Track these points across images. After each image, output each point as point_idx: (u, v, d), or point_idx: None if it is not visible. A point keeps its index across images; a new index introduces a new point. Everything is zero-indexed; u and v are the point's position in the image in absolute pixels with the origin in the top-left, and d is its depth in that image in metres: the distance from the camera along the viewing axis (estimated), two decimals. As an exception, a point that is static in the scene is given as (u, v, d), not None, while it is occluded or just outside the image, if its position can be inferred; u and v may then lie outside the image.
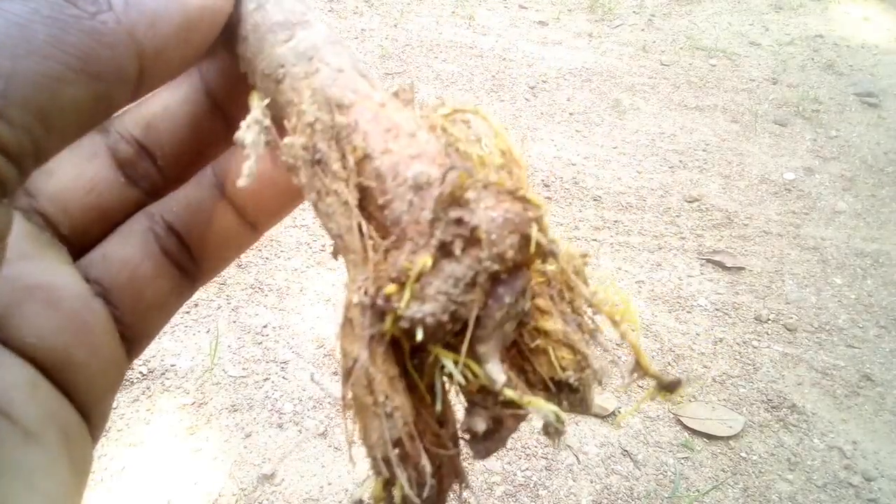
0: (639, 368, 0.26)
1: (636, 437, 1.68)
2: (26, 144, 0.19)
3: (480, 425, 0.23)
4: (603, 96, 3.19)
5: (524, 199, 0.24)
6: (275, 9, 0.28)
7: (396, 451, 0.22)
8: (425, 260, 0.23)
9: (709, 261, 2.28)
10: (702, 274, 2.23)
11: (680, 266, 2.25)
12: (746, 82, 3.44)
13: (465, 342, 0.23)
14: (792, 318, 2.09)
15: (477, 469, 1.56)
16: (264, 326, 1.82)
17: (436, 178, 0.24)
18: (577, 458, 1.61)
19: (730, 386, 1.85)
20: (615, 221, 2.40)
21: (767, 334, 2.03)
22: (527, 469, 1.58)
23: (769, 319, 2.08)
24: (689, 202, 2.55)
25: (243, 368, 1.71)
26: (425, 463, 0.23)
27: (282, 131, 0.27)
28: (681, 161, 2.79)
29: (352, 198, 0.25)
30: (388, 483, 0.23)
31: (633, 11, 4.12)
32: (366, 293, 0.23)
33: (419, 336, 0.22)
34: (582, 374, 0.25)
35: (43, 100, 0.19)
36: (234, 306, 1.86)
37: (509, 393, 0.23)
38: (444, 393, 0.24)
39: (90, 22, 0.21)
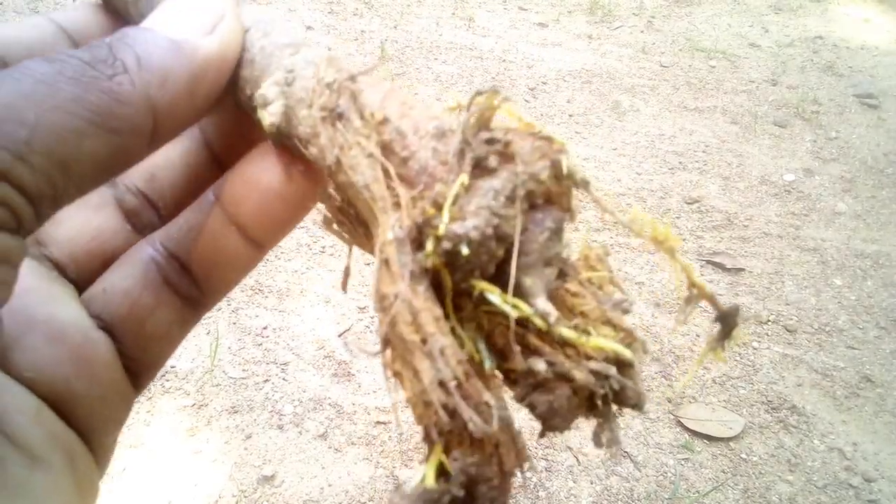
0: (692, 287, 0.26)
1: (636, 438, 1.68)
2: (45, 189, 0.21)
3: (540, 365, 0.22)
4: (602, 98, 3.19)
5: (549, 138, 0.23)
6: (281, 34, 0.29)
7: (454, 388, 0.21)
8: (462, 179, 0.22)
9: (708, 262, 2.28)
10: (702, 275, 2.23)
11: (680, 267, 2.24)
12: (746, 84, 3.45)
13: (512, 264, 0.22)
14: (792, 319, 2.09)
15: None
16: (264, 328, 1.83)
17: (459, 125, 0.24)
18: (577, 460, 1.61)
19: (730, 387, 1.85)
20: (615, 223, 2.41)
21: (767, 335, 2.03)
22: (526, 470, 1.58)
23: (769, 321, 2.08)
24: (689, 203, 2.55)
25: (243, 370, 1.71)
26: (489, 398, 0.21)
27: (290, 152, 0.28)
28: (680, 162, 2.79)
29: (376, 149, 0.24)
30: (448, 449, 0.21)
31: (633, 13, 4.13)
32: (401, 227, 0.22)
33: (464, 251, 0.21)
34: (627, 344, 0.23)
35: (64, 150, 0.21)
36: (235, 308, 1.87)
37: (565, 331, 0.22)
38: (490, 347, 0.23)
39: (108, 83, 0.23)
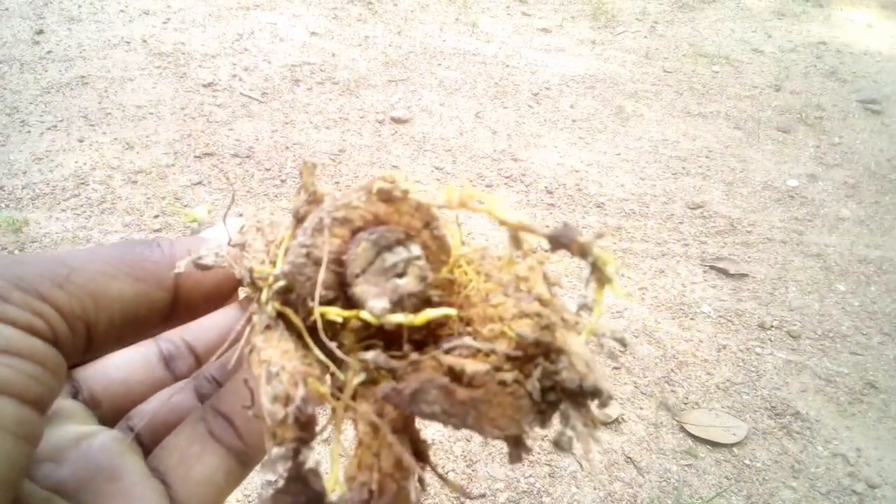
0: (502, 224, 0.27)
1: (639, 443, 1.68)
2: (77, 311, 0.26)
3: (369, 355, 0.24)
4: (606, 103, 3.20)
5: (379, 177, 0.26)
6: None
7: (290, 406, 0.23)
8: (285, 234, 0.26)
9: (712, 267, 2.28)
10: (705, 281, 2.23)
11: (683, 273, 2.25)
12: (749, 89, 3.45)
13: (319, 277, 0.24)
14: (795, 324, 2.09)
15: (480, 476, 1.56)
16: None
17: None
18: (581, 465, 1.61)
19: (733, 393, 1.85)
20: (618, 228, 2.41)
21: (771, 341, 2.03)
22: (530, 476, 1.58)
23: (772, 326, 2.07)
24: (692, 209, 2.55)
25: None
26: (301, 395, 0.23)
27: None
28: (684, 168, 2.79)
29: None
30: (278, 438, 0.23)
31: (636, 18, 4.14)
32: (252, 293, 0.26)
33: (280, 284, 0.24)
34: (540, 331, 0.24)
35: (95, 287, 0.27)
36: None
37: (394, 317, 0.24)
38: (327, 344, 0.25)
39: (141, 248, 0.29)
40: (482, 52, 3.53)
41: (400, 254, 0.25)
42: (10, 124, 2.52)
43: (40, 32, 3.15)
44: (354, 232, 0.26)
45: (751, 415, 1.79)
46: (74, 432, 0.30)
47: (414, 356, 0.24)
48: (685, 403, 1.80)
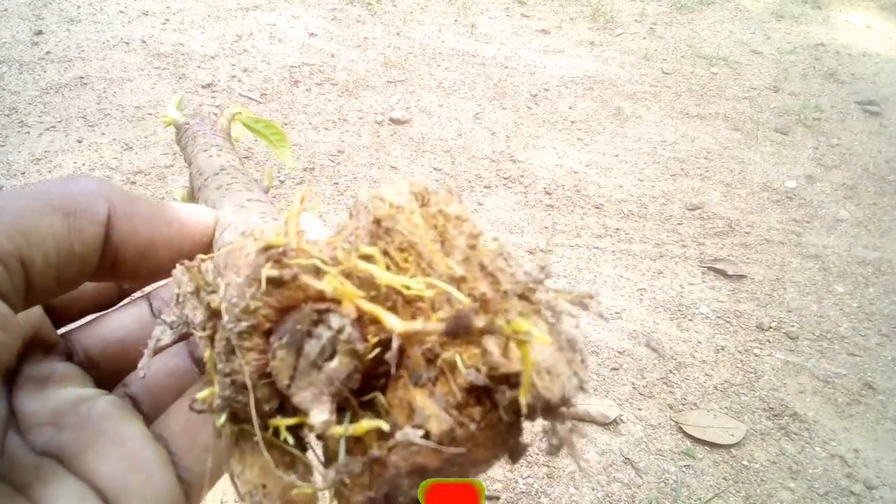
0: None
1: (638, 444, 1.68)
2: (9, 249, 0.25)
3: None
4: (605, 104, 3.20)
5: (264, 249, 0.24)
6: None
7: None
8: (208, 356, 0.25)
9: (710, 269, 2.28)
10: (703, 282, 2.23)
11: (681, 274, 2.25)
12: (748, 90, 3.46)
13: (251, 398, 0.24)
14: (794, 326, 2.09)
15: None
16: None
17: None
18: (579, 466, 1.61)
19: (731, 394, 1.85)
20: (617, 229, 2.41)
21: (769, 342, 2.03)
22: (528, 476, 1.58)
23: (771, 327, 2.08)
24: (691, 210, 2.55)
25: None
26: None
27: None
28: (682, 169, 2.80)
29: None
30: None
31: (635, 20, 4.14)
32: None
33: (221, 421, 0.24)
34: (489, 366, 0.22)
35: (23, 223, 0.25)
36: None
37: (337, 429, 0.23)
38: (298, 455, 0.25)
39: (68, 183, 0.28)
40: (481, 53, 3.53)
41: (321, 337, 0.23)
42: (9, 125, 2.52)
43: (39, 33, 3.15)
44: (267, 334, 0.24)
45: (749, 416, 1.79)
46: (73, 395, 0.29)
47: (374, 453, 0.23)
48: (683, 404, 1.80)
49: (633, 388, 1.83)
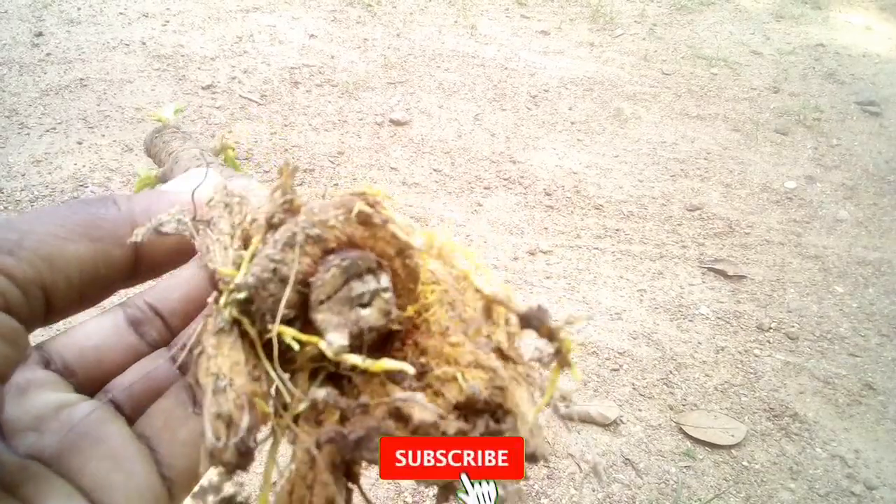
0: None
1: (638, 445, 1.68)
2: (31, 275, 0.25)
3: (320, 393, 0.23)
4: (604, 105, 3.20)
5: (360, 194, 0.25)
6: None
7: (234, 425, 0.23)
8: (257, 238, 0.25)
9: (710, 269, 2.28)
10: (703, 282, 2.23)
11: (681, 275, 2.25)
12: (748, 91, 3.46)
13: (283, 299, 0.24)
14: (794, 326, 2.09)
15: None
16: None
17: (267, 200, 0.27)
18: (580, 467, 1.61)
19: (732, 395, 1.85)
20: (617, 230, 2.41)
21: (769, 343, 2.03)
22: (528, 478, 1.58)
23: (771, 328, 2.08)
24: (691, 211, 2.55)
25: None
26: (244, 425, 0.23)
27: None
28: (682, 170, 2.80)
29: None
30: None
31: (635, 21, 4.15)
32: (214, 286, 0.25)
33: (241, 296, 0.23)
34: (492, 390, 0.24)
35: (48, 250, 0.26)
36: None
37: (351, 358, 0.23)
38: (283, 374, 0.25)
39: (94, 208, 0.28)
40: (481, 54, 3.54)
41: (368, 284, 0.24)
42: (9, 126, 2.53)
43: (39, 35, 3.15)
44: (326, 252, 0.25)
45: (749, 416, 1.79)
46: (54, 400, 0.30)
47: (364, 399, 0.24)
48: (684, 405, 1.80)
49: (634, 388, 1.83)
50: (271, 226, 0.26)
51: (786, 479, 1.64)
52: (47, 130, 2.53)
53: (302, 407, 0.24)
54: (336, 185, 2.45)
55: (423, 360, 0.25)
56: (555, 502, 1.53)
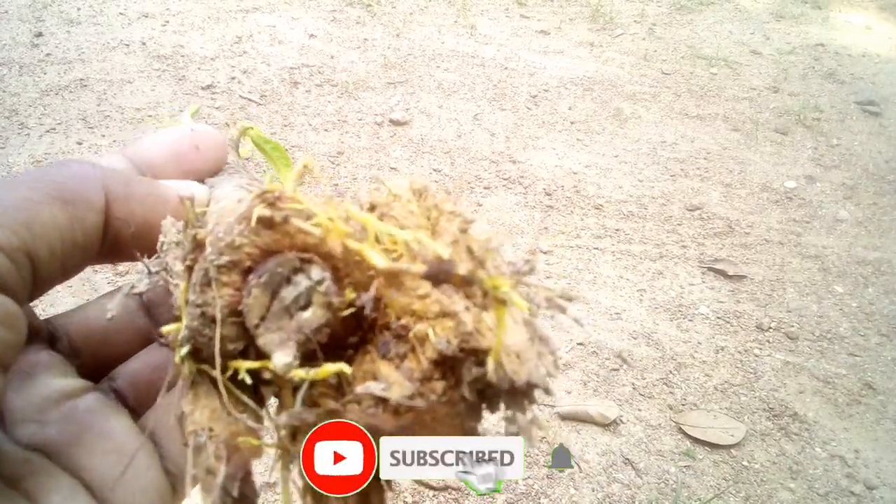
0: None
1: (637, 445, 1.68)
2: (14, 242, 0.24)
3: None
4: (604, 105, 3.20)
5: (260, 195, 0.24)
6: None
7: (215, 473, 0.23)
8: (183, 287, 0.24)
9: (710, 269, 2.28)
10: (703, 282, 2.23)
11: (681, 274, 2.25)
12: (747, 91, 3.46)
13: (216, 335, 0.23)
14: (793, 326, 2.09)
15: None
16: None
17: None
18: (579, 467, 1.61)
19: (731, 394, 1.85)
20: (616, 230, 2.41)
21: (769, 343, 2.03)
22: (528, 477, 1.58)
23: (770, 328, 2.08)
24: (691, 210, 2.55)
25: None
26: (222, 475, 0.23)
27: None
28: (682, 169, 2.80)
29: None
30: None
31: (635, 21, 4.15)
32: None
33: (184, 351, 0.23)
34: (462, 336, 0.22)
35: (24, 215, 0.25)
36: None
37: (299, 373, 0.23)
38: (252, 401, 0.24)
39: (66, 168, 0.27)
40: (481, 54, 3.54)
41: (299, 285, 0.23)
42: (9, 127, 2.53)
43: (39, 35, 3.15)
44: (246, 272, 0.24)
45: (749, 416, 1.79)
46: (58, 388, 0.29)
47: (332, 404, 0.23)
48: (683, 405, 1.80)
49: (633, 388, 1.83)
50: (188, 269, 0.25)
51: (785, 479, 1.64)
52: (47, 131, 2.53)
53: (283, 433, 0.24)
54: (336, 185, 2.45)
55: (402, 321, 0.24)
56: (554, 502, 1.53)
